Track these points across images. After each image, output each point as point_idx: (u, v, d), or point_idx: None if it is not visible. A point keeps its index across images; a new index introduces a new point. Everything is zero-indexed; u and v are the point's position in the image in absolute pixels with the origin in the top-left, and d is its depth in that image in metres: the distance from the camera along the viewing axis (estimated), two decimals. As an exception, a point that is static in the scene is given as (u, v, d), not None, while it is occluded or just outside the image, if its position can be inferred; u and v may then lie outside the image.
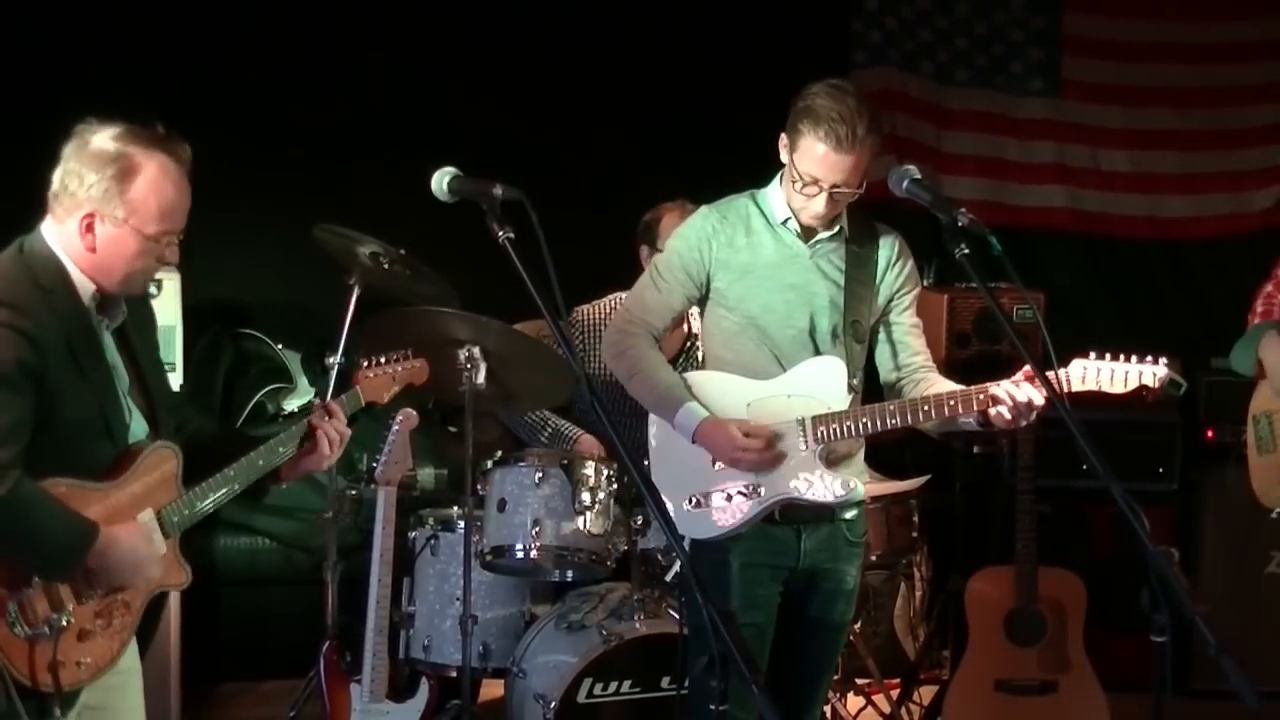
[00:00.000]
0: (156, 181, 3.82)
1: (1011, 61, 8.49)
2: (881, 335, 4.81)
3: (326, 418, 4.19)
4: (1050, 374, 4.21)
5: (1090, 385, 4.45)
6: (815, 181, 4.54)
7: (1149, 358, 4.46)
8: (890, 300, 4.79)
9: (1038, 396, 4.42)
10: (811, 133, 4.51)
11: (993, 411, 4.49)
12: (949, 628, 6.85)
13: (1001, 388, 4.47)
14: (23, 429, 3.66)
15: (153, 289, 6.12)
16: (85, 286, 3.84)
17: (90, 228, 3.80)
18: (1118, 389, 4.47)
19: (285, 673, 6.80)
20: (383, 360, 4.47)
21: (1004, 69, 8.50)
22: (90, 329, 3.85)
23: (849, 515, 4.80)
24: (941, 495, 6.89)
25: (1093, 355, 4.46)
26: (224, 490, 4.01)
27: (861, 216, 4.82)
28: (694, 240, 4.78)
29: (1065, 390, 4.27)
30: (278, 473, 4.18)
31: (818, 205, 4.59)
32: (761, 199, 4.77)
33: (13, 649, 3.68)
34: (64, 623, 3.73)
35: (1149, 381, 4.45)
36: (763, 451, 4.60)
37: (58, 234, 3.83)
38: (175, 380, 6.31)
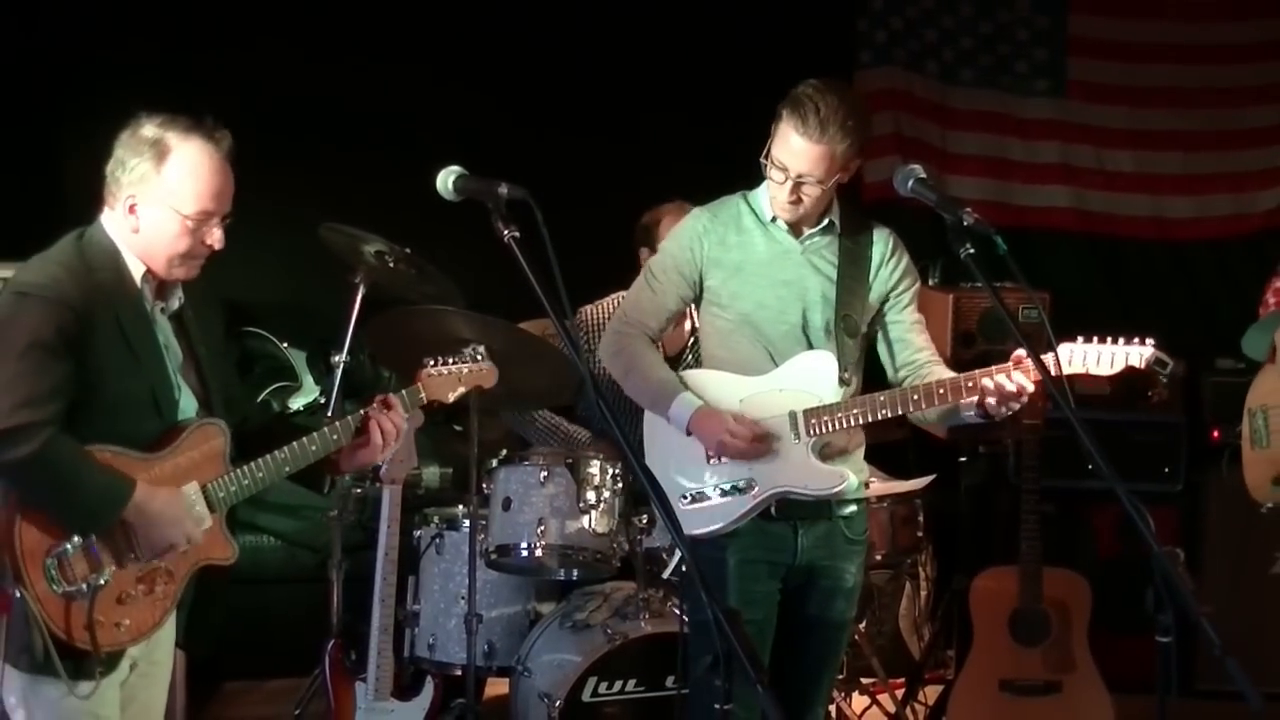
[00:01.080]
0: (192, 163, 3.96)
1: (1017, 62, 8.49)
2: (882, 334, 4.82)
3: (384, 410, 4.25)
4: (1040, 357, 4.22)
5: (1078, 368, 4.47)
6: (783, 168, 4.58)
7: (1136, 339, 4.47)
8: (887, 297, 4.79)
9: (1027, 383, 4.44)
10: (788, 119, 4.56)
11: (988, 401, 4.50)
12: (954, 627, 6.85)
13: (992, 375, 4.48)
14: (60, 393, 3.79)
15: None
16: (136, 269, 3.99)
17: (133, 210, 3.96)
18: (1104, 370, 4.49)
19: (290, 671, 6.81)
20: (451, 360, 4.49)
21: (1009, 69, 8.50)
22: (140, 309, 3.98)
23: (847, 512, 4.80)
24: (946, 495, 6.89)
25: (1080, 339, 4.48)
26: (273, 471, 4.09)
27: (855, 213, 4.83)
28: (685, 241, 4.81)
29: (1056, 374, 4.27)
30: (337, 464, 4.26)
31: (783, 194, 4.62)
32: (753, 198, 4.79)
33: (50, 605, 3.78)
34: (101, 582, 3.82)
35: (1135, 362, 4.47)
36: (751, 440, 4.61)
37: (111, 221, 4.00)
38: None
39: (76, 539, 3.80)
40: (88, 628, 3.80)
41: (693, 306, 5.00)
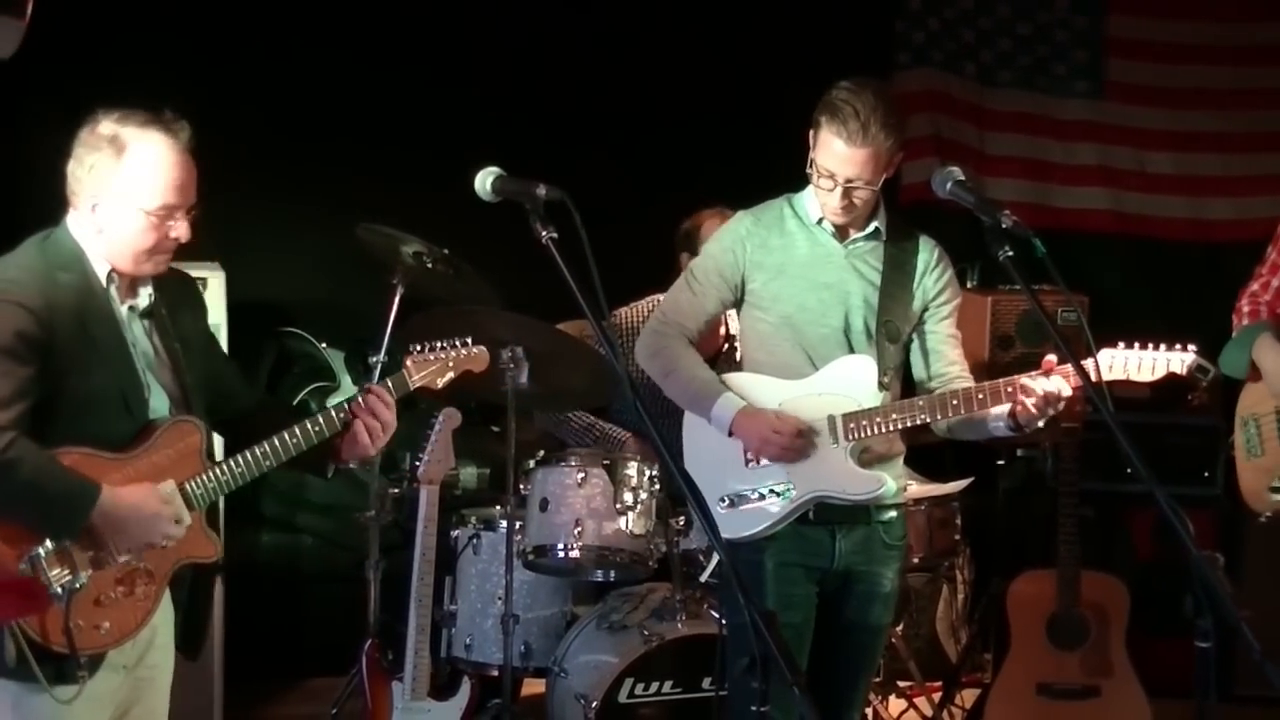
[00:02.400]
0: (152, 157, 3.90)
1: (1055, 63, 8.46)
2: (918, 342, 4.80)
3: (370, 399, 4.21)
4: (1080, 363, 4.20)
5: (1118, 374, 4.46)
6: (831, 175, 4.57)
7: (1177, 346, 4.45)
8: (927, 307, 4.78)
9: (1065, 387, 4.43)
10: (827, 126, 4.56)
11: (1019, 407, 4.48)
12: (991, 631, 6.83)
13: (1033, 378, 4.46)
14: (22, 397, 3.75)
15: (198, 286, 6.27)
16: (101, 268, 3.94)
17: (95, 209, 3.91)
18: (1145, 377, 4.48)
19: (327, 670, 6.83)
20: (438, 345, 4.44)
21: (1047, 70, 8.47)
22: (106, 309, 3.94)
23: (886, 517, 4.79)
24: (983, 498, 6.87)
25: (1120, 345, 4.46)
26: (253, 467, 4.05)
27: (901, 221, 4.82)
28: (728, 243, 4.81)
29: (1097, 380, 4.25)
30: (339, 452, 4.23)
31: (833, 200, 4.61)
32: (797, 201, 4.79)
33: None
34: (77, 585, 3.78)
35: (1176, 368, 4.45)
36: (792, 439, 4.60)
37: (75, 221, 3.96)
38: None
39: (48, 544, 3.77)
40: (65, 631, 3.76)
41: (730, 311, 5.00)
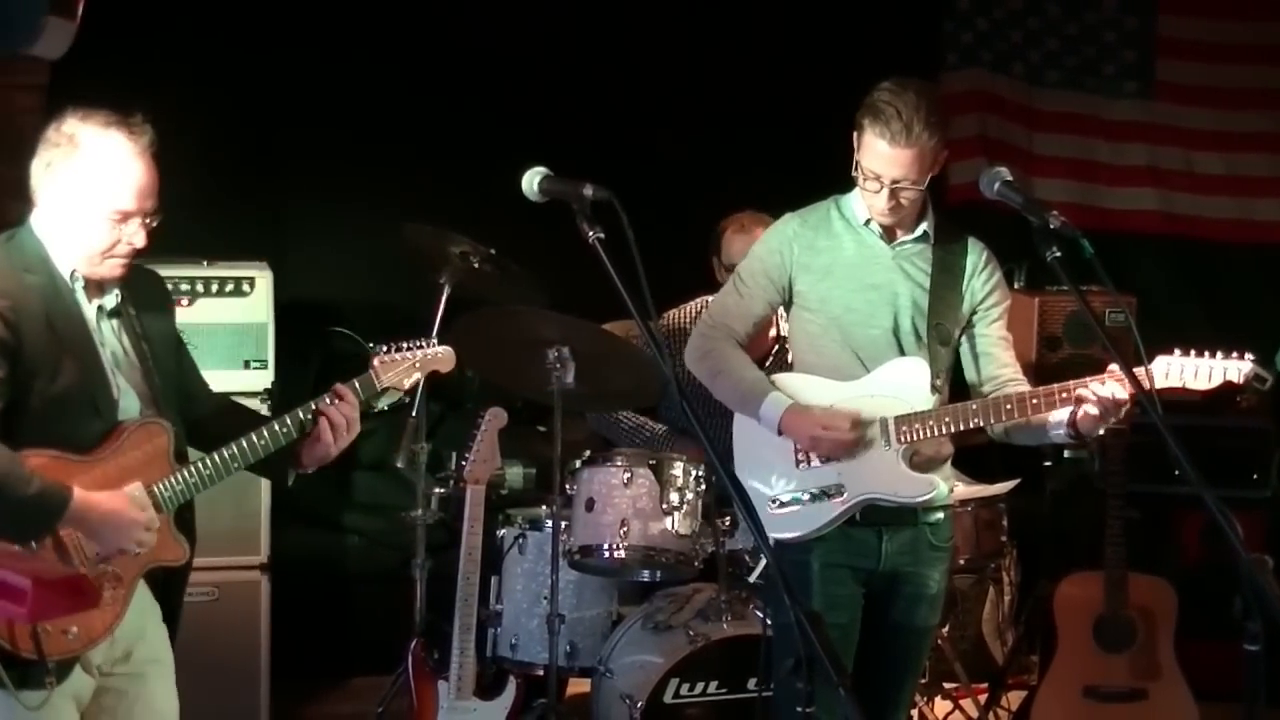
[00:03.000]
0: (108, 158, 3.86)
1: (1104, 63, 8.42)
2: (969, 346, 4.79)
3: (336, 401, 4.20)
4: (1134, 371, 4.18)
5: (1174, 382, 4.43)
6: (876, 177, 4.57)
7: (1234, 354, 4.43)
8: (975, 309, 4.76)
9: (1122, 393, 4.40)
10: (871, 128, 4.55)
11: (1080, 413, 4.47)
12: (1037, 632, 6.80)
13: (1086, 384, 4.44)
14: None
15: (245, 286, 6.29)
16: (65, 268, 3.92)
17: (53, 207, 3.90)
18: (1201, 385, 4.45)
19: (373, 669, 6.84)
20: (404, 345, 4.43)
21: (1096, 70, 8.43)
22: (72, 307, 3.92)
23: (933, 518, 4.78)
24: (1030, 499, 6.84)
25: (1177, 352, 4.44)
26: (220, 469, 4.03)
27: (949, 223, 4.81)
28: (775, 245, 4.81)
29: (1150, 388, 4.23)
30: (299, 457, 4.20)
31: (880, 201, 4.61)
32: (844, 202, 4.78)
33: None
34: None
35: (1233, 377, 4.43)
36: (844, 434, 4.60)
37: (38, 219, 3.94)
38: (266, 378, 6.36)
39: (16, 548, 3.74)
40: (33, 636, 3.73)
41: (780, 313, 5.00)
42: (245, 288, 6.33)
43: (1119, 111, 8.45)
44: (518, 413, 6.01)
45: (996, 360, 4.77)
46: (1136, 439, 5.97)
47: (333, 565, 7.31)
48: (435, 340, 4.49)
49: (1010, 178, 4.23)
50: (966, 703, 6.75)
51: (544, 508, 5.99)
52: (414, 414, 6.10)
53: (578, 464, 5.81)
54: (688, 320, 6.24)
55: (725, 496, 5.55)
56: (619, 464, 5.70)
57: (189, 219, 5.67)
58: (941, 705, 6.72)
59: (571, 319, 5.45)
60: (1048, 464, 6.97)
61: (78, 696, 3.95)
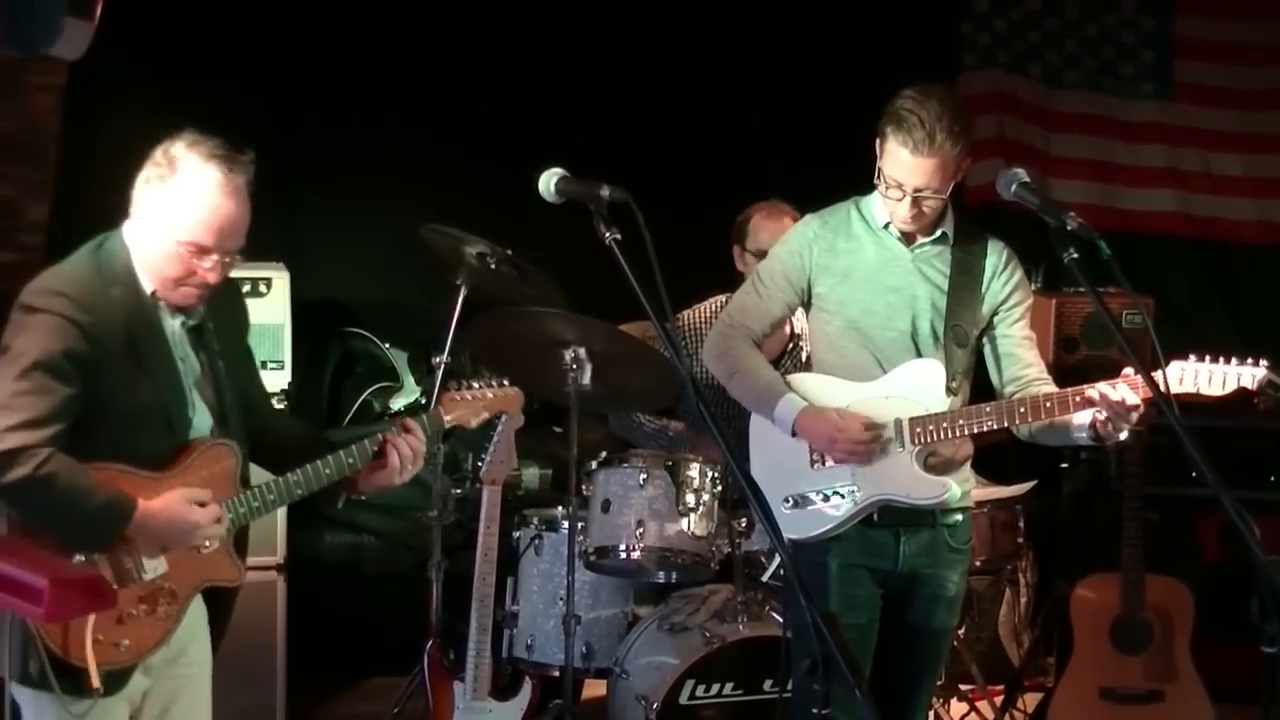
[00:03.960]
0: (197, 192, 3.85)
1: (1122, 64, 8.42)
2: (991, 347, 4.78)
3: (403, 434, 4.19)
4: (1149, 375, 4.18)
5: (1189, 387, 4.42)
6: (899, 185, 4.55)
7: (1249, 360, 4.42)
8: (996, 310, 4.75)
9: (1133, 397, 4.39)
10: (893, 136, 4.53)
11: (1099, 418, 4.46)
12: (1054, 634, 6.79)
13: (1097, 388, 4.44)
14: (61, 416, 3.76)
15: (262, 286, 6.31)
16: (147, 283, 3.92)
17: (142, 223, 3.90)
18: (1215, 391, 4.44)
19: (389, 669, 6.84)
20: (474, 385, 4.46)
21: (1114, 72, 8.43)
22: (153, 322, 3.93)
23: (951, 520, 4.77)
24: (1047, 501, 6.84)
25: (1192, 357, 4.43)
26: (283, 494, 4.06)
27: (970, 224, 4.80)
28: (795, 246, 4.81)
29: (1164, 393, 4.22)
30: (354, 484, 4.21)
31: (903, 210, 4.60)
32: (864, 204, 4.78)
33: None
34: None
35: (1247, 383, 4.42)
36: (858, 437, 4.59)
37: (129, 231, 3.94)
38: (283, 378, 6.37)
39: (78, 558, 3.79)
40: (85, 647, 3.77)
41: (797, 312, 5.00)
42: (262, 288, 6.34)
43: (1137, 113, 8.44)
44: (534, 414, 6.00)
45: (1020, 361, 4.75)
46: (1154, 441, 5.95)
47: (349, 566, 7.31)
48: (505, 381, 4.52)
49: (1028, 179, 4.22)
50: (982, 704, 6.74)
51: (560, 509, 5.99)
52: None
53: (594, 465, 5.81)
54: (703, 320, 6.24)
55: (741, 498, 5.55)
56: (635, 465, 5.71)
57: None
58: (958, 707, 6.71)
59: (588, 320, 5.45)
60: (1065, 466, 6.96)
61: (130, 698, 4.00)
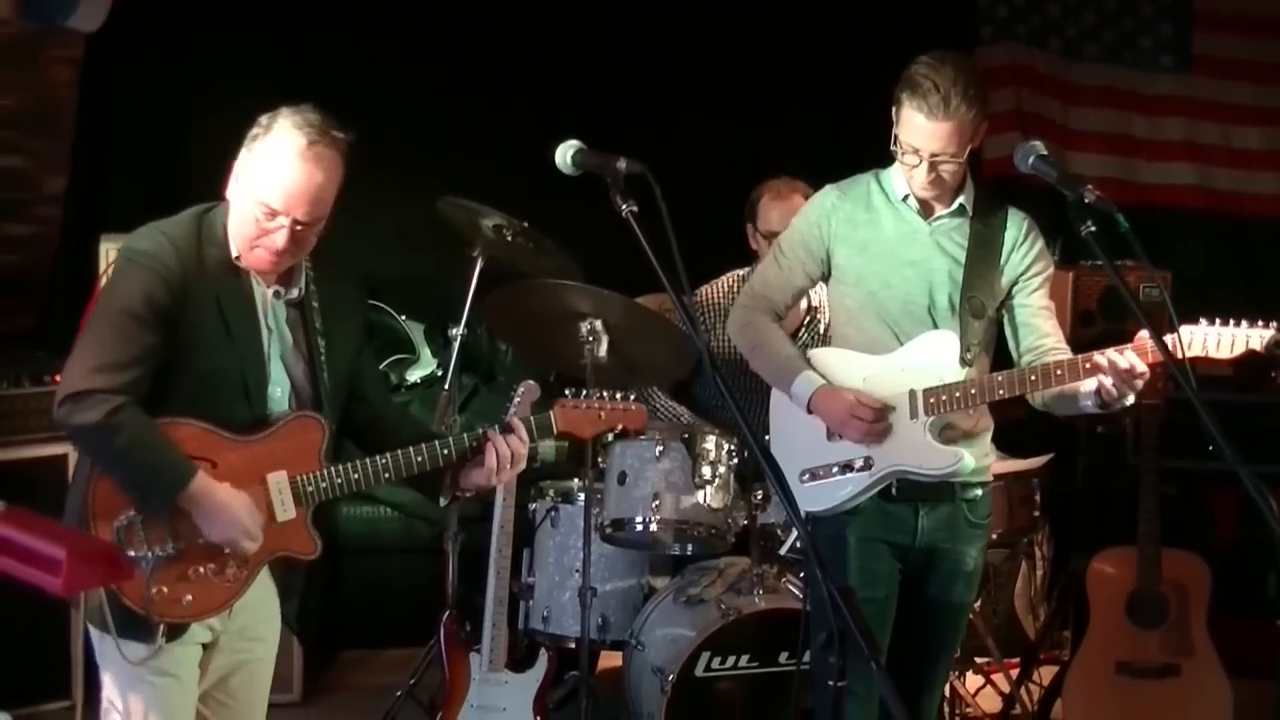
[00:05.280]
0: (275, 153, 3.86)
1: (1141, 37, 8.39)
2: (1009, 317, 4.76)
3: (506, 433, 4.14)
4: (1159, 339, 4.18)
5: (1197, 351, 4.40)
6: (915, 151, 4.55)
7: (1259, 322, 4.41)
8: (1016, 281, 4.74)
9: (1140, 364, 4.38)
10: (909, 102, 4.53)
11: (1105, 383, 4.44)
12: (1070, 608, 6.79)
13: (1106, 354, 4.43)
14: (139, 363, 3.78)
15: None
16: (234, 246, 3.93)
17: (234, 186, 3.93)
18: (1224, 354, 4.43)
19: (405, 641, 6.87)
20: (593, 395, 4.34)
21: (1133, 45, 8.40)
22: (244, 289, 3.94)
23: (971, 495, 4.77)
24: (1064, 474, 6.83)
25: (1203, 321, 4.42)
26: (369, 475, 4.01)
27: (990, 196, 4.79)
28: (814, 217, 4.81)
29: (1175, 358, 4.21)
30: (457, 480, 4.17)
31: (920, 176, 4.59)
32: (884, 177, 4.77)
33: None
34: (167, 553, 3.81)
35: (1255, 345, 4.40)
36: (874, 421, 4.59)
37: (230, 193, 3.96)
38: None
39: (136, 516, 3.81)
40: (147, 595, 3.78)
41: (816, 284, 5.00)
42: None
43: (1156, 86, 8.41)
44: (550, 386, 6.01)
45: (1037, 330, 4.73)
46: (1171, 414, 5.95)
47: (366, 538, 7.32)
48: (631, 396, 4.40)
49: (1046, 152, 4.20)
50: (998, 677, 6.74)
51: (576, 481, 6.01)
52: (447, 387, 6.11)
53: (610, 437, 5.80)
54: (720, 295, 6.24)
55: (758, 470, 5.55)
56: (651, 438, 5.70)
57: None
58: (973, 680, 6.72)
59: (604, 292, 5.44)
60: (1081, 440, 6.95)
61: (188, 666, 3.99)
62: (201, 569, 3.88)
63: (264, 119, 3.92)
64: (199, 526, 3.84)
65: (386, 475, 4.03)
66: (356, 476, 4.01)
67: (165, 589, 3.82)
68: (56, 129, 6.67)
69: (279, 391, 3.99)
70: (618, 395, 4.38)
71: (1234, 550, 6.69)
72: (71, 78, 6.65)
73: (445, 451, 4.07)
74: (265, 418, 3.95)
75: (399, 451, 4.03)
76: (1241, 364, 4.53)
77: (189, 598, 3.88)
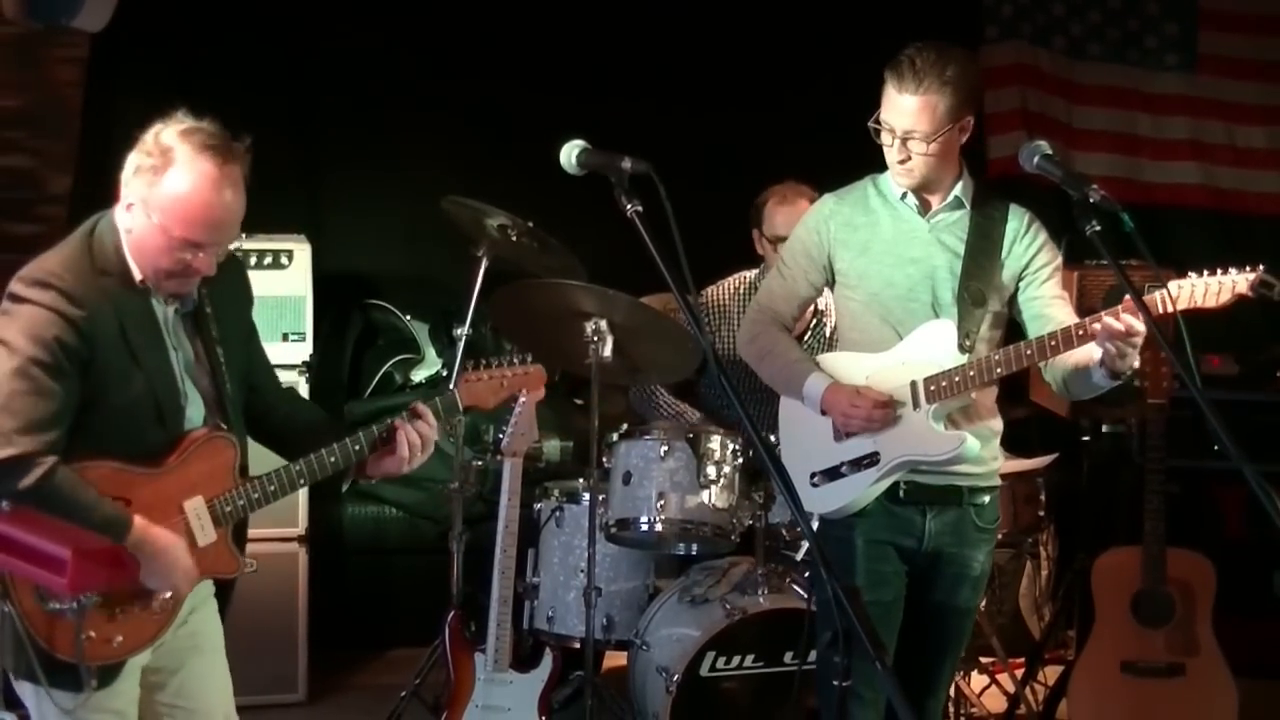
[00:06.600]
0: (189, 185, 3.73)
1: (1146, 36, 8.39)
2: (1022, 312, 4.74)
3: (414, 420, 4.14)
4: (1149, 298, 4.18)
5: (1185, 303, 4.35)
6: (891, 130, 4.55)
7: (1246, 267, 4.38)
8: (1022, 274, 4.72)
9: (1137, 324, 4.33)
10: (888, 77, 4.56)
11: (1110, 349, 4.38)
12: (1075, 607, 6.79)
13: (1101, 317, 4.38)
14: (61, 417, 3.70)
15: (284, 259, 6.32)
16: (138, 270, 3.83)
17: (131, 210, 3.80)
18: (1212, 302, 4.37)
19: (410, 641, 6.88)
20: (492, 364, 4.39)
21: (1138, 43, 8.40)
22: (146, 311, 3.86)
23: (979, 500, 4.76)
24: (1069, 474, 6.83)
25: (1191, 275, 4.38)
26: (286, 485, 4.00)
27: (991, 192, 4.78)
28: (813, 224, 4.81)
29: (1169, 311, 4.19)
30: (362, 468, 4.16)
31: (892, 155, 4.59)
32: (881, 180, 4.77)
33: (38, 620, 3.72)
34: (92, 601, 3.71)
35: (1243, 289, 4.36)
36: (871, 410, 4.59)
37: (121, 215, 3.83)
38: (304, 350, 6.40)
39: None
40: (75, 644, 3.71)
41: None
42: (284, 260, 6.36)
43: (1161, 85, 8.41)
44: (555, 386, 6.01)
45: (1052, 321, 4.66)
46: (1176, 413, 5.94)
47: (371, 538, 7.33)
48: (528, 357, 4.44)
49: (1050, 151, 4.20)
50: (1003, 677, 6.74)
51: (581, 481, 6.01)
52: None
53: (615, 437, 5.82)
54: (726, 296, 6.25)
55: (763, 470, 5.55)
56: (656, 437, 5.71)
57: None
58: (978, 679, 6.72)
59: (609, 292, 5.44)
60: (1086, 439, 6.95)
61: (128, 695, 3.95)
62: (129, 606, 3.83)
63: (152, 143, 3.77)
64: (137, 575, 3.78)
65: (302, 481, 4.04)
66: (273, 488, 3.99)
67: (93, 633, 3.77)
68: (61, 129, 6.67)
69: (192, 410, 3.94)
70: (515, 360, 4.41)
71: (1239, 549, 6.68)
72: (76, 77, 6.66)
73: (358, 448, 4.08)
74: (180, 438, 3.89)
75: (312, 457, 4.01)
76: (1232, 305, 4.45)
77: (119, 638, 3.83)
